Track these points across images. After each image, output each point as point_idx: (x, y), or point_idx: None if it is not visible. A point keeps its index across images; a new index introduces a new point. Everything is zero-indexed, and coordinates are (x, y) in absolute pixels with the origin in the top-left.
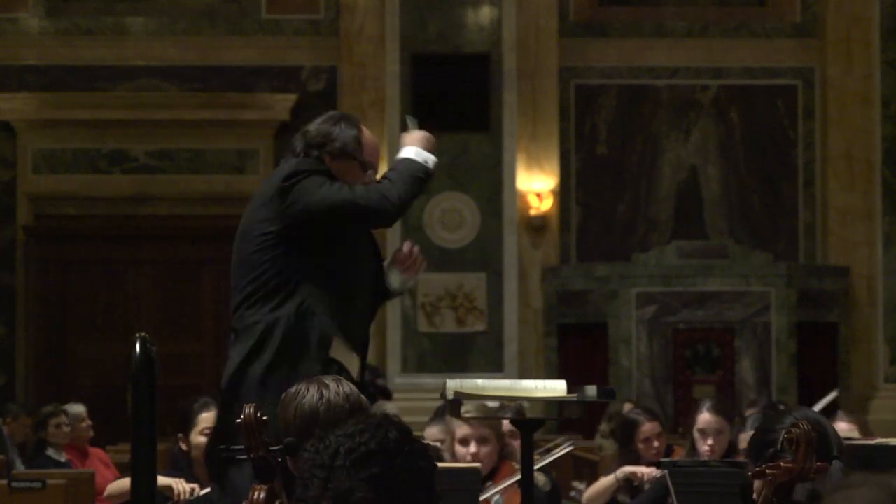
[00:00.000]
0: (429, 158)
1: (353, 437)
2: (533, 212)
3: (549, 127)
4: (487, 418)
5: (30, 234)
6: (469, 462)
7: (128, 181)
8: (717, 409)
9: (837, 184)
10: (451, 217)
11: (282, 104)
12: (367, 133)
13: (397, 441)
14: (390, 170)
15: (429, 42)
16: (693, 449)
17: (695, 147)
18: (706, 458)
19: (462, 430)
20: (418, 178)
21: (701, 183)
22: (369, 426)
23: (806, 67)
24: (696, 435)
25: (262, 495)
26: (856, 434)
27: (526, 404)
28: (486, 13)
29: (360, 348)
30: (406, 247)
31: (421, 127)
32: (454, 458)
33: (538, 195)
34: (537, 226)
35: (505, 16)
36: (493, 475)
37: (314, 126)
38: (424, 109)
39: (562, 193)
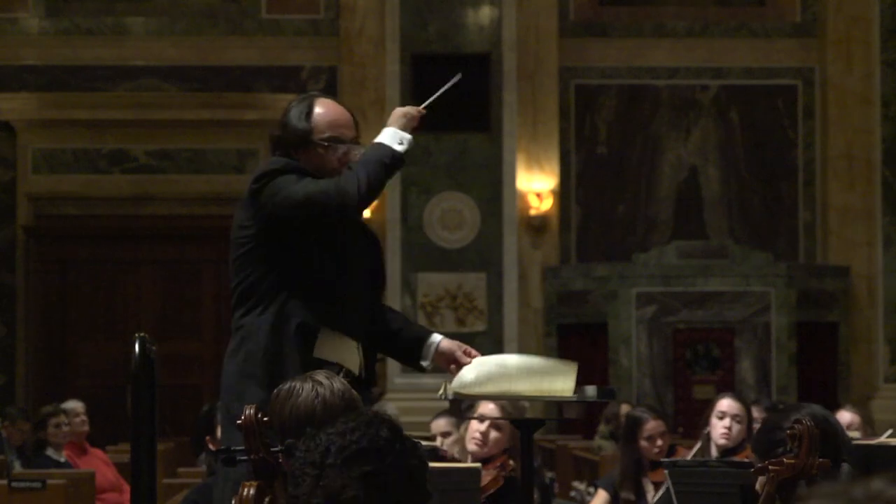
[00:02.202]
0: (404, 138)
1: (344, 436)
2: (533, 212)
3: (549, 127)
4: (487, 418)
5: (30, 234)
6: (475, 438)
7: (128, 181)
8: (738, 398)
9: (837, 184)
10: (451, 217)
11: (282, 104)
12: (324, 107)
13: (388, 439)
14: (362, 156)
15: (429, 42)
16: (707, 442)
17: (695, 147)
18: (720, 443)
19: (484, 407)
20: (383, 164)
21: (701, 183)
22: (360, 424)
23: (806, 67)
24: (714, 420)
25: (252, 492)
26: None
27: (526, 404)
28: (486, 13)
29: (360, 342)
30: (461, 355)
31: (421, 127)
32: (462, 448)
33: (538, 195)
34: (537, 226)
35: (505, 16)
36: (487, 461)
37: (283, 118)
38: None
39: (562, 193)
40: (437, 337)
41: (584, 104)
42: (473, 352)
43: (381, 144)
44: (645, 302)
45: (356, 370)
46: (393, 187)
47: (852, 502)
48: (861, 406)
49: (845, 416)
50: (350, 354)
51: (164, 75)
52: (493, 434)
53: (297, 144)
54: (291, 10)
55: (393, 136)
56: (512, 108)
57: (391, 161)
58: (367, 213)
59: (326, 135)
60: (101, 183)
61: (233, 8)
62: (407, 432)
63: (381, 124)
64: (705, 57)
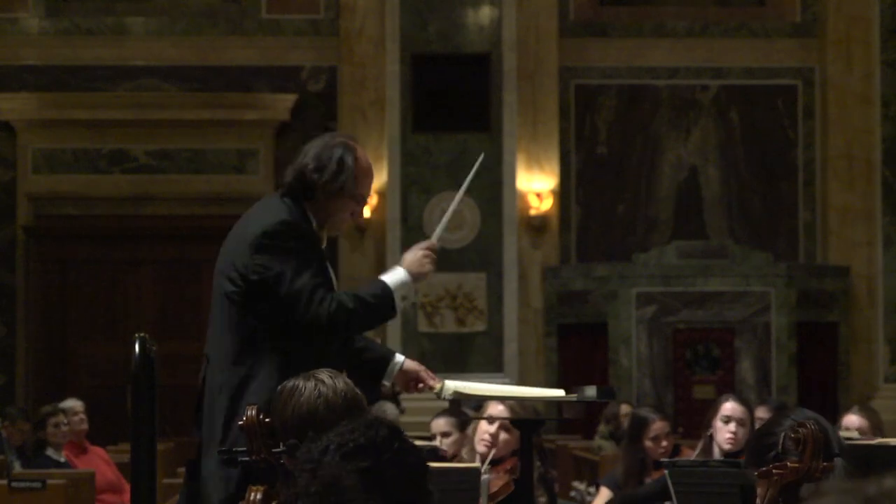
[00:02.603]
0: (409, 294)
1: (343, 435)
2: (533, 212)
3: (549, 127)
4: (488, 418)
5: (30, 234)
6: (484, 440)
7: (128, 181)
8: (741, 400)
9: (837, 184)
10: (451, 217)
11: (282, 104)
12: (361, 159)
13: (386, 438)
14: (368, 289)
15: (429, 42)
16: (710, 442)
17: (695, 147)
18: (725, 448)
19: (493, 408)
20: (380, 316)
21: (701, 183)
22: (360, 425)
23: (806, 67)
24: (718, 423)
25: (259, 496)
26: (866, 428)
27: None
28: (486, 13)
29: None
30: (425, 375)
31: (421, 127)
32: (460, 450)
33: (538, 195)
34: (537, 226)
35: (505, 16)
36: (498, 463)
37: (313, 155)
38: (424, 109)
39: (562, 193)
40: (400, 357)
41: (584, 104)
42: (434, 377)
43: (387, 295)
44: (645, 302)
45: None
46: (393, 187)
47: (867, 500)
48: (868, 409)
49: (853, 420)
50: None
51: (164, 75)
52: (503, 435)
53: (332, 193)
54: (291, 10)
55: (402, 288)
56: (512, 108)
57: (385, 316)
58: (366, 213)
59: (360, 192)
60: (101, 183)
61: (233, 8)
62: (406, 433)
63: (382, 124)
64: (705, 57)
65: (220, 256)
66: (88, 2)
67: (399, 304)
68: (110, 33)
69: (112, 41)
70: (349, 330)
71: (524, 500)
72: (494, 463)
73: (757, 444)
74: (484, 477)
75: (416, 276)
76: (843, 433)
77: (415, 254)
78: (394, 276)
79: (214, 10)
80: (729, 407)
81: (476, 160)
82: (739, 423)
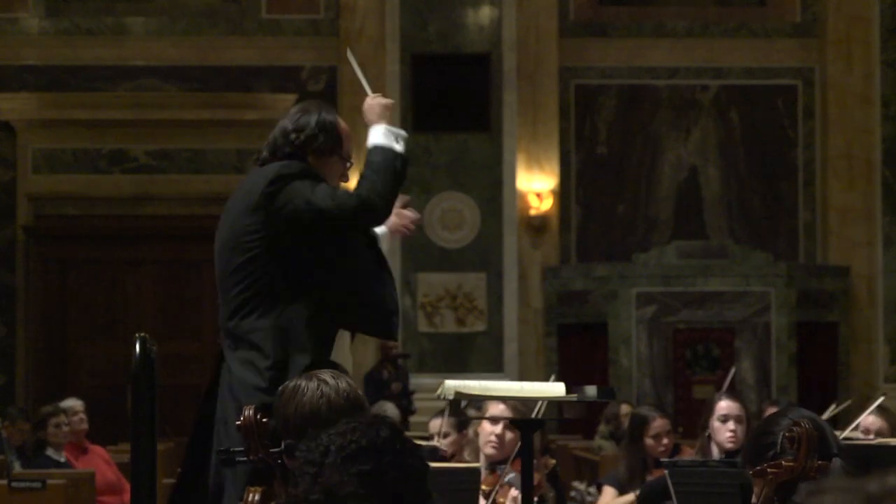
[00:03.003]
0: (399, 136)
1: (344, 435)
2: (533, 212)
3: (549, 127)
4: (488, 418)
5: (30, 234)
6: (491, 442)
7: (128, 181)
8: (734, 397)
9: (837, 184)
10: (451, 217)
11: (282, 104)
12: (343, 124)
13: (388, 439)
14: (368, 163)
15: (429, 42)
16: (708, 443)
17: (695, 147)
18: (727, 447)
19: (494, 409)
20: (395, 172)
21: (701, 183)
22: (361, 425)
23: (806, 67)
24: (716, 424)
25: (258, 497)
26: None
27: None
28: (486, 13)
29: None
30: (412, 216)
31: (421, 127)
32: (459, 450)
33: (538, 195)
34: (537, 226)
35: (505, 16)
36: (510, 461)
37: (293, 121)
38: (424, 109)
39: (562, 193)
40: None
41: (584, 104)
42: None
43: (383, 148)
44: (645, 302)
45: (350, 367)
46: None
47: (869, 498)
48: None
49: (872, 422)
50: (348, 354)
51: (164, 75)
52: (509, 435)
53: (323, 151)
54: (291, 10)
55: (388, 136)
56: (512, 108)
57: (401, 166)
58: None
59: (347, 153)
60: (101, 183)
61: (233, 8)
62: (407, 432)
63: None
64: (705, 57)
65: (221, 233)
66: (88, 2)
67: (400, 146)
68: (110, 33)
69: (112, 41)
70: (385, 199)
71: (524, 499)
72: (504, 462)
73: (755, 443)
74: (510, 475)
75: (378, 119)
76: (860, 434)
77: (371, 103)
78: (373, 137)
79: (214, 10)
80: (725, 405)
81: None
82: (737, 420)
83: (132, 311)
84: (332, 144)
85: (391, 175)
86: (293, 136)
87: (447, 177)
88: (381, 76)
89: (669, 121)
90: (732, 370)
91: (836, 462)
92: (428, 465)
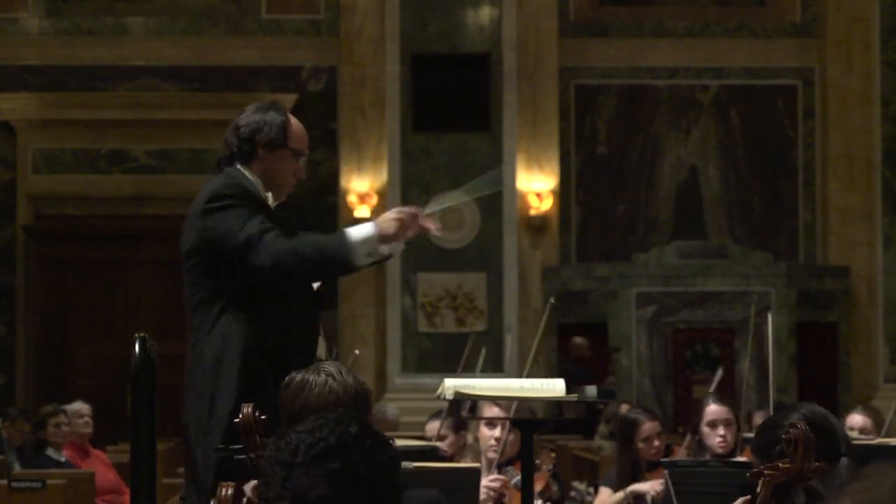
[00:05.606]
0: (377, 252)
1: (313, 433)
2: (533, 212)
3: (549, 127)
4: (488, 418)
5: (30, 234)
6: (492, 446)
7: (128, 181)
8: (722, 400)
9: (837, 184)
10: (451, 217)
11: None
12: (293, 120)
13: (357, 436)
14: (325, 238)
15: (429, 42)
16: (700, 448)
17: (695, 147)
18: (718, 452)
19: (490, 411)
20: (329, 261)
21: (701, 183)
22: (329, 421)
23: (806, 67)
24: (706, 429)
25: (230, 492)
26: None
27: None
28: (486, 13)
29: (308, 356)
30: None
31: (421, 127)
32: (458, 451)
33: (538, 195)
34: (537, 226)
35: (505, 16)
36: (512, 462)
37: (244, 118)
38: (424, 109)
39: (562, 193)
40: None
41: (584, 104)
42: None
43: (347, 242)
44: (645, 302)
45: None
46: (393, 187)
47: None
48: (871, 409)
49: (857, 420)
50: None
51: (163, 75)
52: (509, 437)
53: (269, 146)
54: (291, 10)
55: (365, 244)
56: (512, 108)
57: (338, 267)
58: (365, 213)
59: (296, 146)
60: (101, 183)
61: (233, 8)
62: (407, 433)
63: (382, 124)
64: (705, 57)
65: (181, 244)
66: (88, 2)
67: (362, 260)
68: (110, 33)
69: (112, 41)
70: (294, 276)
71: (525, 499)
72: (509, 463)
73: (764, 435)
74: (515, 479)
75: (382, 234)
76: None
77: (389, 213)
78: (359, 230)
79: (214, 10)
80: (712, 411)
81: (491, 179)
82: (725, 424)
83: (132, 311)
84: (280, 137)
85: (320, 266)
86: (242, 129)
87: (447, 177)
88: (381, 76)
89: (669, 121)
90: (719, 372)
91: (844, 462)
92: (399, 460)
